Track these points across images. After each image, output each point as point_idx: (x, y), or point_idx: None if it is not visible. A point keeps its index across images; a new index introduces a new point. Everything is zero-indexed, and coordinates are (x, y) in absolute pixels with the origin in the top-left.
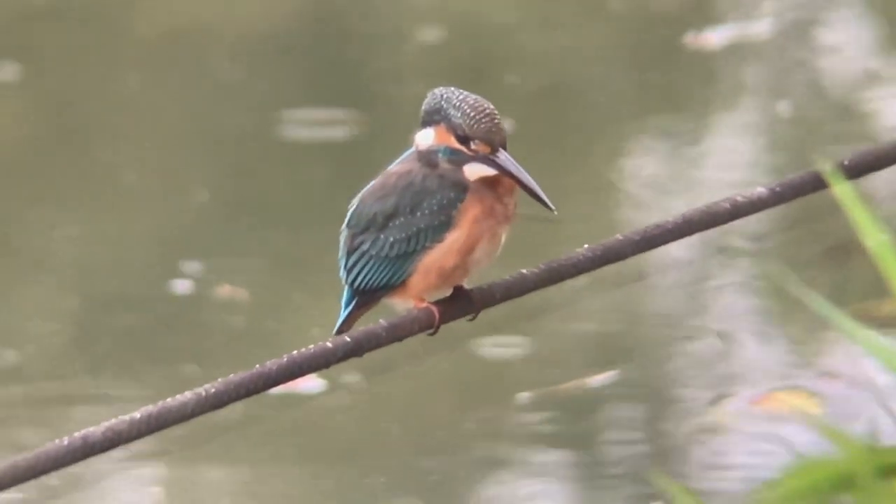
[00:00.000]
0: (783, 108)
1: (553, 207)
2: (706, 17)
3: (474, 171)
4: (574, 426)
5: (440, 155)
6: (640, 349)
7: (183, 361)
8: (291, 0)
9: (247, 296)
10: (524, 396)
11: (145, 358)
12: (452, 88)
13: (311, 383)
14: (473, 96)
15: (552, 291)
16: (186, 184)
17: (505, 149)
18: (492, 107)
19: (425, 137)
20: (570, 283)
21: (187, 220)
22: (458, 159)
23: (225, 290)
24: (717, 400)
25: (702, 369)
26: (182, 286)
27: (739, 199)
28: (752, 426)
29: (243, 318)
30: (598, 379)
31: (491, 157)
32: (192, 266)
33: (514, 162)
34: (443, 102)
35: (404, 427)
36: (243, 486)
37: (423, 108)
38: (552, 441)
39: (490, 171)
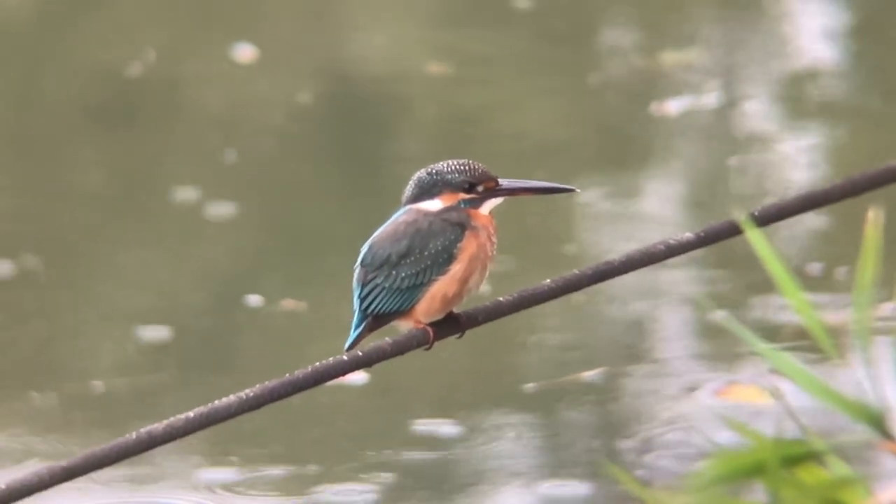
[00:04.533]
0: (724, 163)
1: (574, 188)
2: (667, 91)
3: (491, 204)
4: (566, 412)
5: (461, 205)
6: (616, 353)
7: (253, 360)
8: None
9: (306, 307)
10: (530, 386)
11: (224, 356)
12: (430, 166)
13: (356, 376)
14: (453, 161)
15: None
16: (258, 220)
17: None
18: (470, 160)
19: (434, 205)
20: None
21: (257, 248)
22: (475, 204)
23: (288, 304)
24: (690, 391)
25: (673, 367)
26: (253, 300)
27: (671, 241)
28: (713, 415)
29: (302, 326)
30: (590, 374)
31: (497, 189)
32: (262, 284)
33: (516, 180)
34: (436, 177)
35: (433, 408)
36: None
37: (413, 188)
38: (542, 423)
39: (501, 199)
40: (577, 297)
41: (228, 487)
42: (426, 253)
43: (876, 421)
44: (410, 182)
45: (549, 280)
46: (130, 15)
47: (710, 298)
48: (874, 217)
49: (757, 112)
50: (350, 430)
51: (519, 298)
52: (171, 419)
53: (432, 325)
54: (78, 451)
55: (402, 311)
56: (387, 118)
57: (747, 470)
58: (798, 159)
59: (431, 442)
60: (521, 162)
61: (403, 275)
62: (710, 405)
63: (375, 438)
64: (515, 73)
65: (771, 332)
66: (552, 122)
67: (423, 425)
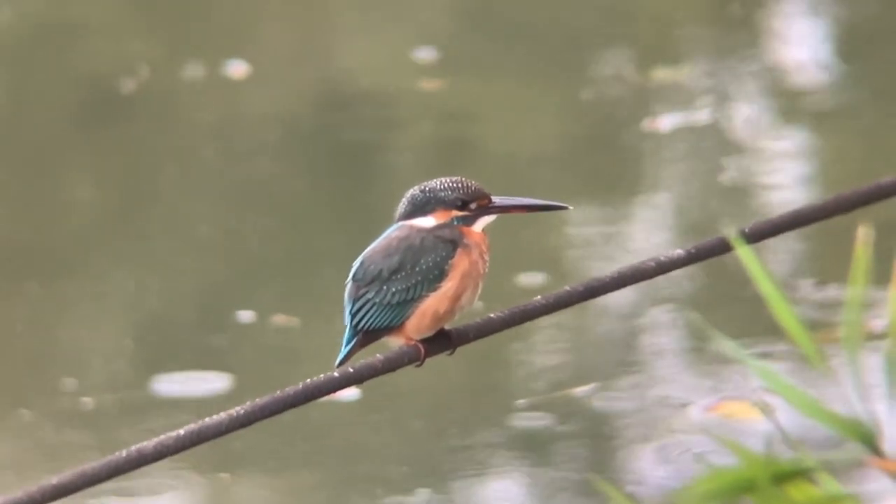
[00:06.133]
0: (716, 179)
1: (567, 206)
2: (659, 107)
3: (484, 221)
4: (558, 428)
5: (455, 223)
6: (609, 369)
7: (245, 376)
8: None
9: (298, 323)
10: (521, 402)
11: (215, 372)
12: (423, 184)
13: (348, 392)
14: (446, 178)
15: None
16: (250, 236)
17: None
18: (463, 178)
19: (426, 222)
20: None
21: (250, 263)
22: (468, 221)
23: (279, 319)
24: (681, 407)
25: (664, 383)
26: (245, 315)
27: (662, 258)
28: (704, 431)
29: (294, 342)
30: (582, 390)
31: (490, 206)
32: (254, 299)
33: (509, 198)
34: (429, 194)
35: (426, 424)
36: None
37: (406, 205)
38: (534, 438)
39: (494, 216)
40: (568, 313)
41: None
42: (417, 269)
43: (866, 438)
44: (403, 199)
45: (539, 296)
46: (124, 31)
47: (701, 315)
48: (864, 234)
49: (748, 128)
50: (341, 446)
51: (510, 315)
52: (162, 437)
53: (423, 341)
54: (68, 469)
55: (393, 327)
56: (379, 134)
57: (738, 486)
58: (789, 175)
59: (423, 458)
60: (513, 178)
61: (394, 290)
62: (700, 421)
63: (367, 454)
64: (508, 89)
65: (762, 349)
66: (544, 138)
67: (413, 441)
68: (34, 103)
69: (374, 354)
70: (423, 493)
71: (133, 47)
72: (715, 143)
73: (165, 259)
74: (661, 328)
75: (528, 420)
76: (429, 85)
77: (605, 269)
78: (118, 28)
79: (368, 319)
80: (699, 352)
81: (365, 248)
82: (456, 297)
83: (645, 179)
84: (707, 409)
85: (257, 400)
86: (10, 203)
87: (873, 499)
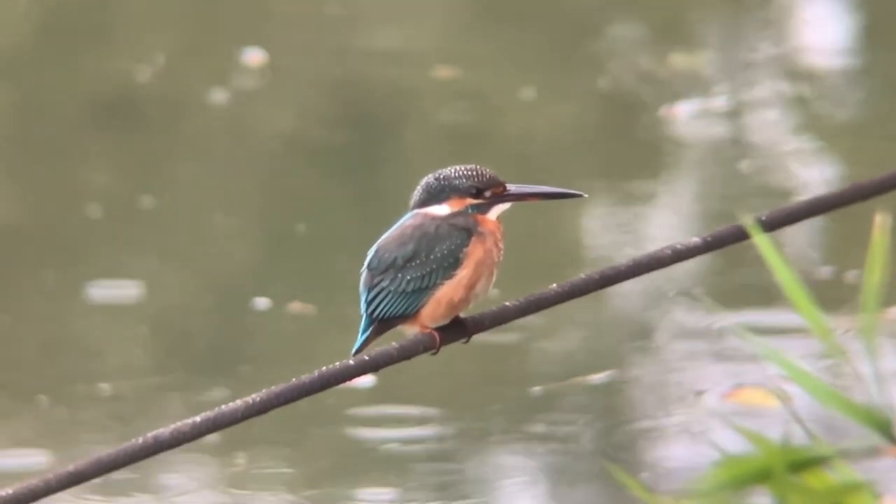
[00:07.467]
0: (733, 166)
1: (582, 194)
2: (677, 94)
3: (499, 209)
4: (573, 415)
5: (469, 210)
6: (625, 356)
7: (261, 362)
8: None
9: (314, 310)
10: (537, 389)
11: (232, 359)
12: (438, 172)
13: (364, 379)
14: (461, 166)
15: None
16: (266, 224)
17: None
18: (478, 166)
19: (441, 210)
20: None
21: (266, 251)
22: (483, 209)
23: (296, 306)
24: (697, 394)
25: (680, 370)
26: (262, 303)
27: (678, 246)
28: (720, 418)
29: (310, 329)
30: (598, 377)
31: (505, 194)
32: (270, 287)
33: (524, 186)
34: (444, 182)
35: (441, 412)
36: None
37: (421, 193)
38: (550, 426)
39: (509, 204)
40: (583, 300)
41: (235, 490)
42: (432, 257)
43: (883, 426)
44: (418, 187)
45: (555, 284)
46: (139, 20)
47: (717, 301)
48: (881, 221)
49: (766, 115)
50: (356, 432)
51: (525, 303)
52: (178, 424)
53: (438, 329)
54: (85, 455)
55: (408, 316)
56: (395, 122)
57: (754, 475)
58: (807, 163)
59: (438, 445)
60: (529, 166)
61: (409, 278)
62: (716, 408)
63: (382, 441)
64: (524, 76)
65: (778, 336)
66: (561, 125)
67: (429, 428)
68: (49, 93)
69: (389, 342)
70: (438, 481)
71: (148, 35)
72: (732, 129)
73: (182, 247)
74: (677, 315)
75: (544, 408)
76: (444, 73)
77: (621, 256)
78: (133, 16)
79: (383, 308)
80: (715, 339)
81: (380, 236)
82: (470, 286)
83: (662, 167)
84: (723, 396)
85: (273, 388)
86: (27, 191)
87: (889, 486)
